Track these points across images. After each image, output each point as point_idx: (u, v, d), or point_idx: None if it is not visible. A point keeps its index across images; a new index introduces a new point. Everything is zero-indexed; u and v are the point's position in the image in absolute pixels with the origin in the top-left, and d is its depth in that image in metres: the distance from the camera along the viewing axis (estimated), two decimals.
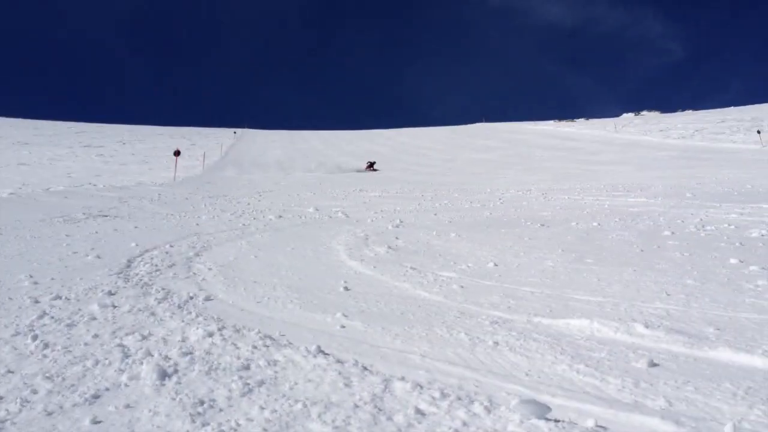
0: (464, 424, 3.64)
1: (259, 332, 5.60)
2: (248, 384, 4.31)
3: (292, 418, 3.75)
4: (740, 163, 30.42)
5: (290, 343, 5.29)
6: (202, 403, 4.01)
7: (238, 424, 3.69)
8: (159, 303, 6.76)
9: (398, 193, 22.54)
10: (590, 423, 3.58)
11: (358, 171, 39.22)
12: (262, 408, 3.90)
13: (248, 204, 19.26)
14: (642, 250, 9.29)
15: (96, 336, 5.51)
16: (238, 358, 4.90)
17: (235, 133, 79.78)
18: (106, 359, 4.85)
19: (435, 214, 15.29)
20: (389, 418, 3.72)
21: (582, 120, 79.65)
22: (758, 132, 44.28)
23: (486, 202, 17.90)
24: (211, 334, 5.52)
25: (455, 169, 36.28)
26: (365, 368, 4.63)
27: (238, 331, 5.68)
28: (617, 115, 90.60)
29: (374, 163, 41.89)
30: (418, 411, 3.81)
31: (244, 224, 14.10)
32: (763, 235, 9.98)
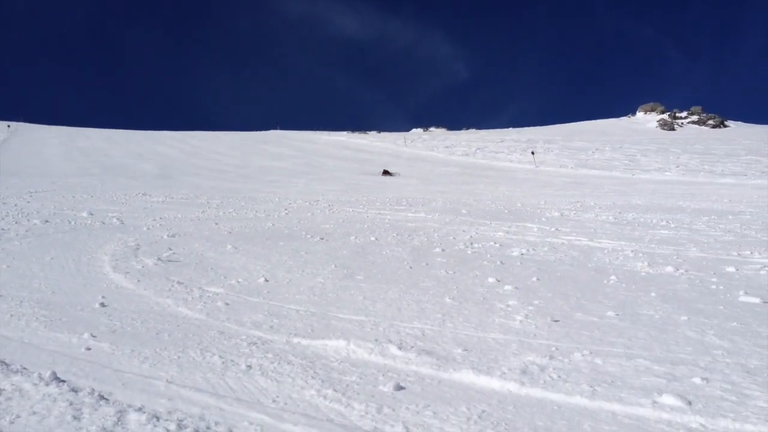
0: None
1: None
2: None
3: None
4: (515, 181, 32.62)
5: (24, 369, 4.83)
6: None
7: None
8: None
9: (183, 198, 21.80)
10: None
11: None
12: None
13: (15, 205, 17.75)
14: (411, 267, 9.59)
15: None
16: None
17: (8, 126, 73.59)
18: None
19: (216, 224, 14.92)
20: None
21: (374, 133, 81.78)
22: (532, 153, 47.84)
23: (271, 213, 17.76)
24: None
25: (247, 176, 35.77)
26: (102, 397, 4.31)
27: None
28: (408, 129, 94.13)
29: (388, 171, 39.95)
30: None
31: (2, 228, 12.96)
32: (522, 254, 10.66)
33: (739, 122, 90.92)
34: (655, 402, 4.29)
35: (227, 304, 7.30)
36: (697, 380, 4.67)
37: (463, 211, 17.88)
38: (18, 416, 3.95)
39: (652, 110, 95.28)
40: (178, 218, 15.97)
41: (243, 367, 5.10)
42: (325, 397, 4.46)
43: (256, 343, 5.77)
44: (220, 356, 5.36)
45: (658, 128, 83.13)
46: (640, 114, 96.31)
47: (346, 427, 3.96)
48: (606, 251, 10.86)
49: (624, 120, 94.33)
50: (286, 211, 18.17)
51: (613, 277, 8.60)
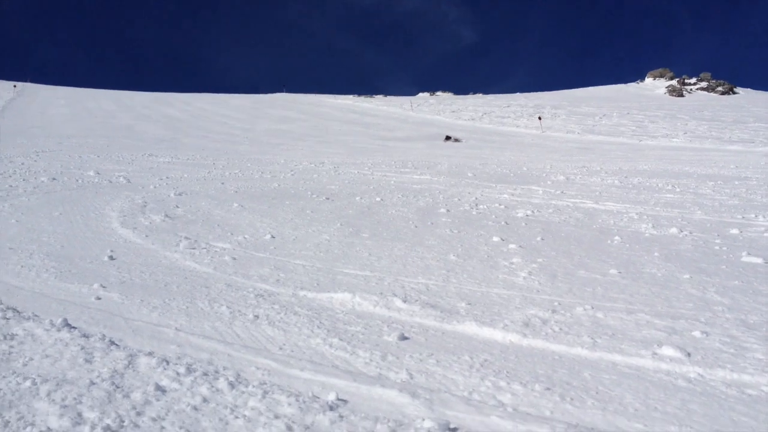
0: (205, 400, 3.56)
1: (1, 303, 5.18)
2: None
3: (18, 397, 3.48)
4: (521, 146, 32.51)
5: (35, 316, 4.94)
6: None
7: None
8: None
9: (189, 159, 21.82)
10: (332, 397, 3.63)
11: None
12: None
13: (22, 164, 17.79)
14: (416, 226, 9.65)
15: None
16: None
17: (15, 87, 73.39)
18: None
19: (222, 183, 14.97)
20: (126, 396, 3.56)
21: (380, 97, 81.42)
22: (539, 118, 47.61)
23: (277, 174, 17.78)
24: None
25: (253, 139, 35.72)
26: (112, 342, 4.41)
27: None
28: (414, 94, 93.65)
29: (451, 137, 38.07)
30: (159, 387, 3.67)
31: (11, 186, 13.03)
32: (527, 215, 10.70)
33: (749, 89, 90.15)
34: (654, 353, 4.37)
35: (234, 258, 7.39)
36: (696, 333, 4.74)
37: (469, 174, 17.88)
38: (31, 359, 4.05)
39: (661, 76, 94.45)
40: (185, 178, 16.02)
41: (250, 317, 5.19)
42: (330, 345, 4.55)
43: (262, 295, 5.87)
44: (227, 307, 5.45)
45: (667, 94, 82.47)
46: (648, 80, 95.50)
47: (352, 373, 4.04)
48: (611, 213, 10.90)
49: (632, 86, 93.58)
50: (292, 173, 18.20)
51: (617, 238, 8.65)
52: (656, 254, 7.68)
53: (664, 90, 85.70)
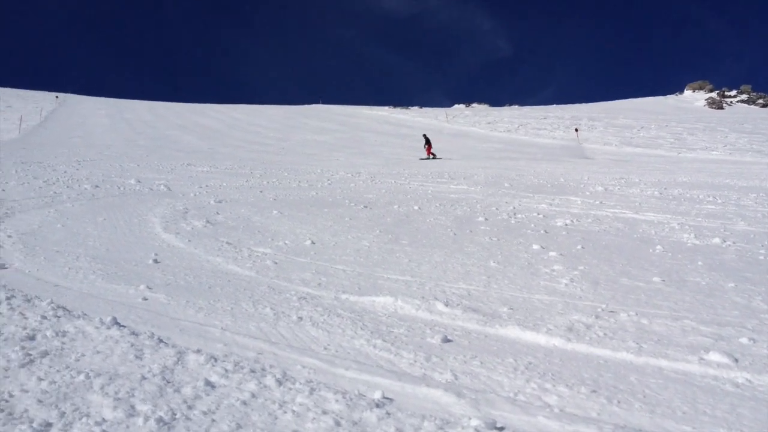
0: (253, 396, 3.61)
1: (51, 302, 5.29)
2: (30, 355, 4.05)
3: (72, 390, 3.56)
4: (558, 157, 32.33)
5: (84, 315, 5.04)
6: None
7: (11, 395, 3.47)
8: None
9: (227, 169, 22.06)
10: (377, 395, 3.66)
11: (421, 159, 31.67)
12: (40, 379, 3.68)
13: (65, 172, 18.14)
14: (455, 234, 9.65)
15: None
16: (24, 328, 4.60)
17: (57, 97, 74.88)
18: None
19: (261, 192, 15.11)
20: (177, 390, 3.63)
21: (416, 108, 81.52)
22: (576, 130, 47.31)
23: (314, 183, 17.90)
24: None
25: (288, 149, 36.01)
26: (161, 340, 4.49)
27: (28, 300, 5.34)
28: (450, 105, 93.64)
29: (428, 141, 33.89)
30: (208, 383, 3.74)
31: (55, 192, 13.29)
32: (566, 225, 10.64)
33: None
34: (701, 359, 4.33)
35: (276, 263, 7.46)
36: (744, 340, 4.69)
37: (506, 185, 17.82)
38: (83, 354, 4.14)
39: (700, 88, 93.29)
40: (224, 186, 16.20)
41: (294, 318, 5.25)
42: (374, 347, 4.58)
43: (305, 298, 5.92)
44: (271, 308, 5.51)
45: (706, 107, 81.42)
46: (687, 92, 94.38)
47: (396, 373, 4.07)
48: (651, 223, 10.79)
49: (671, 98, 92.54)
50: (329, 182, 18.30)
51: (658, 247, 8.56)
52: (699, 263, 7.60)
53: (704, 102, 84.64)
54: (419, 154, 34.45)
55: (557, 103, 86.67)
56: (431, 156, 32.34)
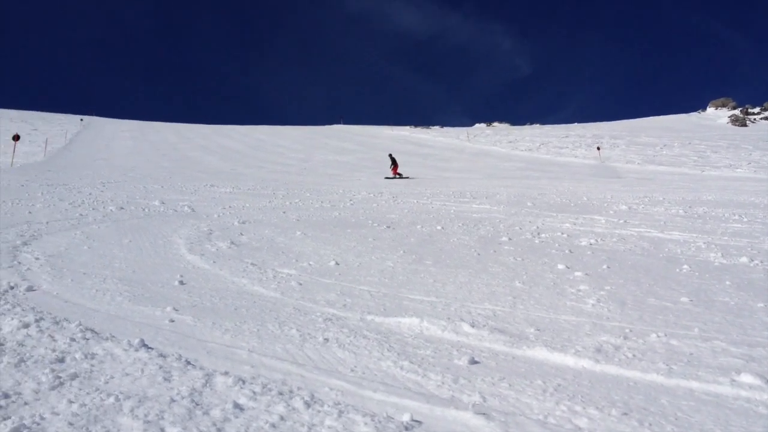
0: (282, 418, 3.61)
1: (80, 324, 5.34)
2: (60, 377, 4.09)
3: (102, 413, 3.59)
4: (580, 176, 32.24)
5: (113, 337, 5.07)
6: (6, 396, 3.77)
7: (43, 418, 3.50)
8: None
9: (250, 189, 22.22)
10: (406, 417, 3.65)
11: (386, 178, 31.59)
12: (71, 402, 3.71)
13: (89, 194, 18.35)
14: (479, 254, 9.62)
15: None
16: (53, 350, 4.64)
17: (81, 120, 75.95)
18: None
19: (284, 212, 15.18)
20: (206, 413, 3.64)
21: (437, 128, 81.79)
22: (598, 148, 47.18)
23: (337, 203, 17.96)
24: (26, 326, 5.21)
25: (310, 169, 36.23)
26: (188, 362, 4.51)
27: (57, 323, 5.39)
28: (471, 124, 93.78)
29: (395, 161, 33.68)
30: (237, 405, 3.74)
31: (81, 214, 13.43)
32: (591, 244, 10.57)
33: None
34: (733, 380, 4.27)
35: (300, 284, 7.48)
36: None
37: (528, 204, 17.77)
38: (112, 377, 4.17)
39: (723, 106, 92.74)
40: (247, 207, 16.30)
41: (320, 339, 5.24)
42: (401, 368, 4.57)
43: (331, 319, 5.92)
44: (297, 330, 5.52)
45: (730, 124, 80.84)
46: (710, 109, 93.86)
47: (424, 395, 4.05)
48: (677, 242, 10.69)
49: (693, 115, 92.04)
50: (351, 202, 18.35)
51: (685, 267, 8.48)
52: (727, 283, 7.51)
53: (727, 120, 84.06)
54: (442, 174, 34.48)
55: (578, 122, 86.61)
56: (397, 175, 32.40)
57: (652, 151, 47.94)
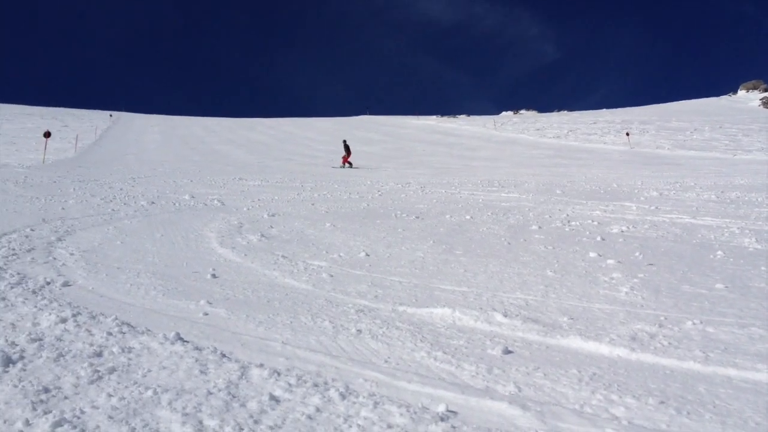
0: (318, 410, 3.63)
1: (116, 319, 5.40)
2: (98, 371, 4.14)
3: (141, 406, 3.64)
4: (609, 163, 31.94)
5: (148, 330, 5.13)
6: (46, 390, 3.83)
7: (83, 412, 3.55)
8: (12, 288, 6.42)
9: (278, 182, 22.32)
10: (441, 408, 3.65)
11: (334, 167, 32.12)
12: (110, 395, 3.76)
13: (120, 189, 18.54)
14: (509, 243, 9.58)
15: None
16: (91, 344, 4.71)
17: (110, 116, 76.76)
18: None
19: (312, 204, 15.24)
20: (242, 405, 3.67)
21: (464, 116, 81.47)
22: (627, 134, 46.68)
23: (365, 194, 17.98)
24: (64, 320, 5.29)
25: (338, 161, 36.29)
26: (224, 355, 4.55)
27: (94, 317, 5.46)
28: (497, 112, 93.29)
29: (348, 149, 33.82)
30: (273, 397, 3.77)
31: (113, 209, 13.59)
32: (622, 231, 10.48)
33: None
34: None
35: (331, 276, 7.51)
36: None
37: (558, 192, 17.65)
38: (149, 370, 4.22)
39: (755, 88, 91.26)
40: (276, 200, 16.38)
41: (353, 331, 5.27)
42: (435, 359, 4.57)
43: (363, 311, 5.94)
44: (330, 321, 5.54)
45: (761, 107, 79.51)
46: (741, 92, 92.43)
47: (459, 386, 4.05)
48: (710, 228, 10.57)
49: (724, 98, 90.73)
50: (379, 193, 18.37)
51: (719, 253, 8.38)
52: (763, 268, 7.41)
53: (758, 102, 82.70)
54: (469, 163, 34.34)
55: (607, 107, 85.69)
56: (346, 165, 32.52)
57: (683, 135, 47.34)
